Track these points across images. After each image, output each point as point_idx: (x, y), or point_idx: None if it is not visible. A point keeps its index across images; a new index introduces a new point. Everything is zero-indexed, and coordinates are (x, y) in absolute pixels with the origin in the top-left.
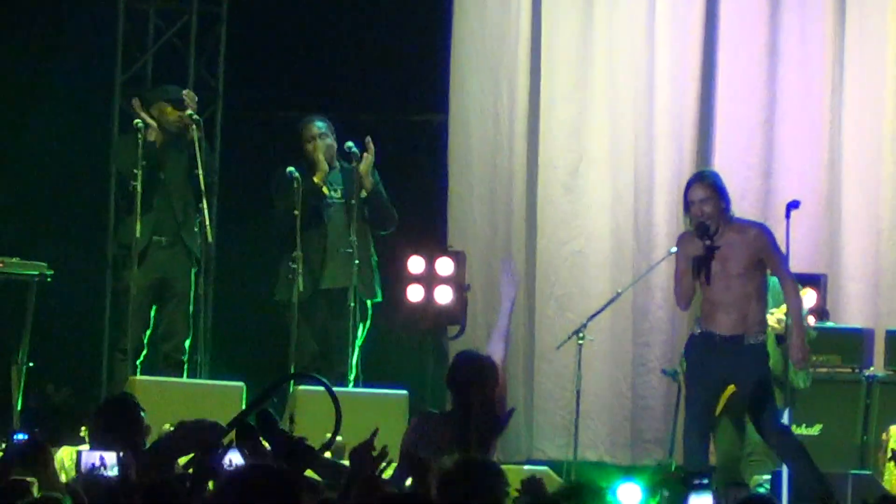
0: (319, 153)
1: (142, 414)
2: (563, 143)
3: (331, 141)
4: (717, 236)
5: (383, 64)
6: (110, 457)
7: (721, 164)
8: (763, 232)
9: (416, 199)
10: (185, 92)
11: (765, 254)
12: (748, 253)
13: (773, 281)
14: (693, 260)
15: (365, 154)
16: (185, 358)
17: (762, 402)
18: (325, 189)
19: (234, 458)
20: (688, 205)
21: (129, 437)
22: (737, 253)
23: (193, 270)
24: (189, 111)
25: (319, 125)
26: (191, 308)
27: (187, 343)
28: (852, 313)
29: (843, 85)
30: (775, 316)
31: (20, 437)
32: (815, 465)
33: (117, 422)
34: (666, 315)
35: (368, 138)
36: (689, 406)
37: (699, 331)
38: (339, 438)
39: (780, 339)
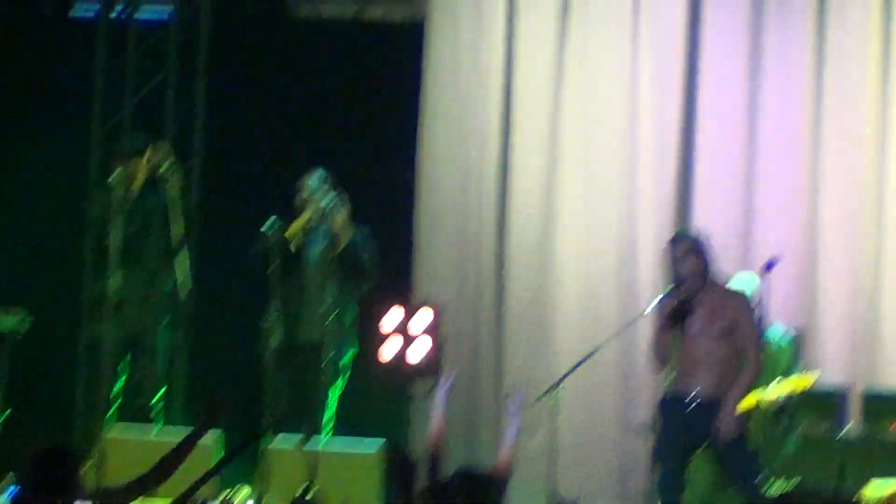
0: (301, 201)
1: (78, 470)
2: (535, 195)
3: (320, 197)
4: (700, 295)
5: (355, 118)
6: None
7: (700, 224)
8: (744, 303)
9: (389, 252)
10: (160, 144)
11: (740, 325)
12: (726, 319)
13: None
14: (669, 311)
15: (341, 208)
16: (160, 409)
17: (739, 462)
18: (292, 244)
19: None
20: (672, 261)
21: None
22: (716, 316)
23: (170, 322)
24: (165, 164)
25: (310, 183)
26: (164, 362)
27: (159, 394)
28: (829, 370)
29: (821, 144)
30: (769, 395)
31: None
32: None
33: (52, 475)
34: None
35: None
36: (664, 462)
37: (671, 393)
38: (314, 489)
39: (775, 416)
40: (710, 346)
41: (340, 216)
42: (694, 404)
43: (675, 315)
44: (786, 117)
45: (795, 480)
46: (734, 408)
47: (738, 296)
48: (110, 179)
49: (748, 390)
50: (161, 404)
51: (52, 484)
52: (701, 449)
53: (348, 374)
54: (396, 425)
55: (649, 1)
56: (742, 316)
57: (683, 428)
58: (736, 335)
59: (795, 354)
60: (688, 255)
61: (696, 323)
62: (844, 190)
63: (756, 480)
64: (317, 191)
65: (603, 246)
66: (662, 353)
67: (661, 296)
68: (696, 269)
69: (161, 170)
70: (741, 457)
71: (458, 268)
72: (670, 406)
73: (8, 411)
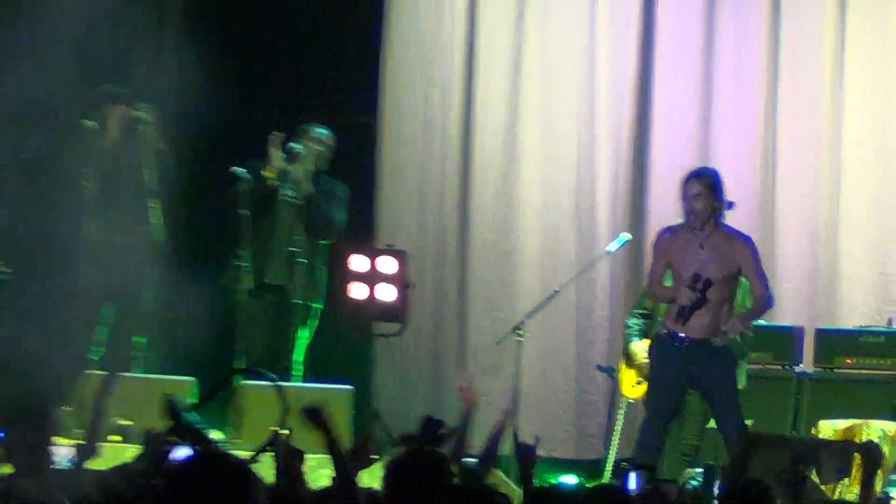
0: (273, 149)
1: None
2: (497, 147)
3: (321, 148)
4: (705, 238)
5: (318, 68)
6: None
7: (657, 166)
8: (748, 245)
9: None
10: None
11: (746, 267)
12: (730, 262)
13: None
14: (680, 309)
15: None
16: (138, 354)
17: (730, 404)
18: (273, 184)
19: (180, 453)
20: (684, 197)
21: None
22: (720, 260)
23: (148, 270)
24: (142, 112)
25: (317, 132)
26: (144, 307)
27: (141, 340)
28: (785, 312)
29: (777, 88)
30: None
31: None
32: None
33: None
34: (607, 313)
35: (272, 135)
36: (652, 404)
37: (665, 331)
38: (284, 431)
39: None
40: (713, 288)
41: (303, 167)
42: (687, 343)
43: (687, 313)
44: (741, 84)
45: (749, 421)
46: (743, 321)
47: (744, 240)
48: (84, 124)
49: (756, 318)
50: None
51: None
52: (692, 391)
53: (317, 321)
54: (362, 369)
55: None
56: (749, 259)
57: (676, 366)
58: (742, 276)
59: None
60: (702, 193)
61: (697, 266)
62: (800, 135)
63: (742, 425)
64: (308, 141)
65: (562, 192)
66: (665, 300)
67: (618, 243)
68: (707, 207)
69: (135, 117)
70: (734, 400)
71: (422, 214)
72: (663, 346)
73: None
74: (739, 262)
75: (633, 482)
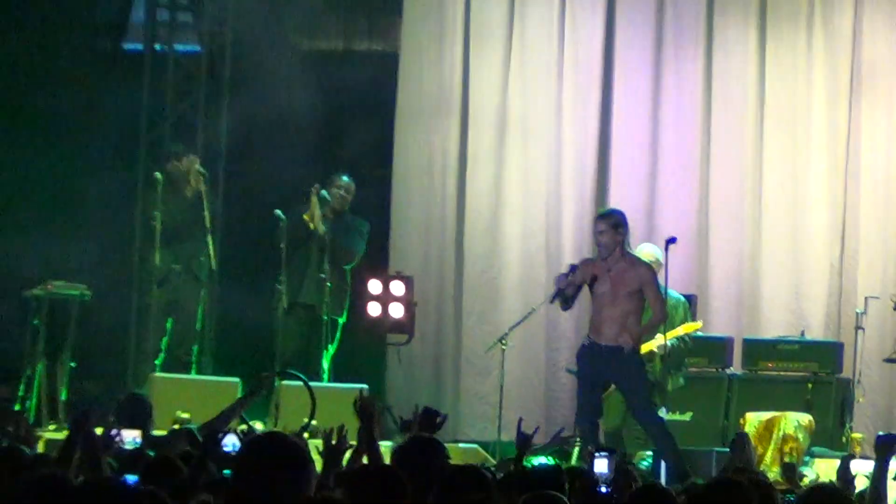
0: (314, 196)
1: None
2: (485, 193)
3: (344, 193)
4: (613, 264)
5: (345, 130)
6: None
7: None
8: (648, 271)
9: (372, 235)
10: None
11: (646, 288)
12: (632, 283)
13: (672, 300)
14: (553, 293)
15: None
16: (193, 360)
17: (637, 396)
18: (310, 225)
19: (232, 441)
20: (593, 233)
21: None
22: (624, 280)
23: (203, 291)
24: (197, 165)
25: (342, 180)
26: (198, 322)
27: (195, 348)
28: (717, 325)
29: (710, 141)
30: (658, 342)
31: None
32: (677, 448)
33: (134, 412)
34: (571, 326)
35: (314, 187)
36: (581, 400)
37: (587, 342)
38: (314, 422)
39: (662, 358)
40: (616, 304)
41: (321, 210)
42: (603, 350)
43: (555, 296)
44: (682, 123)
45: (689, 414)
46: (635, 336)
47: (644, 264)
48: (156, 177)
49: (653, 331)
50: (195, 357)
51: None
52: (611, 387)
53: (338, 333)
54: (376, 372)
55: (572, 33)
56: (648, 281)
57: (594, 369)
58: (642, 295)
59: (685, 313)
60: (605, 231)
61: (606, 285)
62: (728, 180)
63: (652, 411)
64: (342, 187)
65: (536, 229)
66: (563, 307)
67: (563, 273)
68: (612, 241)
69: (195, 171)
70: (640, 393)
71: (425, 248)
72: (586, 352)
73: (73, 363)
74: (641, 283)
75: (604, 465)
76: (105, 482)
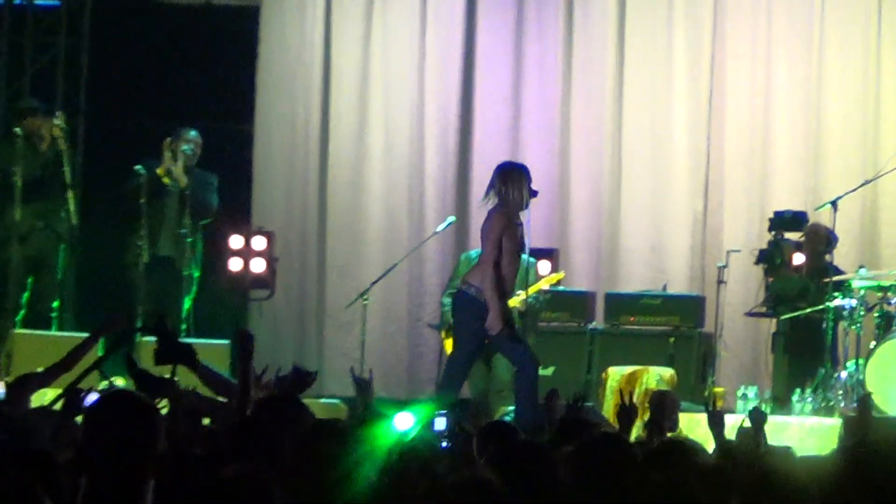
0: (167, 151)
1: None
2: (348, 147)
3: (193, 147)
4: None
5: (205, 85)
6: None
7: (476, 164)
8: (487, 217)
9: (231, 188)
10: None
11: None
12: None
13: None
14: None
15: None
16: (55, 315)
17: (511, 351)
18: (164, 179)
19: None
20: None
21: None
22: (483, 232)
23: (63, 247)
24: (58, 121)
25: (189, 134)
26: (59, 277)
27: (56, 304)
28: (579, 279)
29: (571, 94)
30: (520, 297)
31: None
32: (536, 400)
33: None
34: (437, 280)
35: (166, 140)
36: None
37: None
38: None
39: (521, 314)
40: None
41: (181, 164)
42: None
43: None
44: (544, 75)
45: (551, 369)
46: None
47: (490, 214)
48: (15, 132)
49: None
50: (56, 313)
51: None
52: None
53: (194, 287)
54: (239, 327)
55: (434, 14)
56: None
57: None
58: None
59: (537, 272)
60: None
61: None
62: (588, 134)
63: (526, 364)
64: (180, 142)
65: (399, 184)
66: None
67: (444, 224)
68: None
69: (55, 126)
70: (511, 347)
71: (288, 203)
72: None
73: None
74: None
75: (442, 423)
76: None
